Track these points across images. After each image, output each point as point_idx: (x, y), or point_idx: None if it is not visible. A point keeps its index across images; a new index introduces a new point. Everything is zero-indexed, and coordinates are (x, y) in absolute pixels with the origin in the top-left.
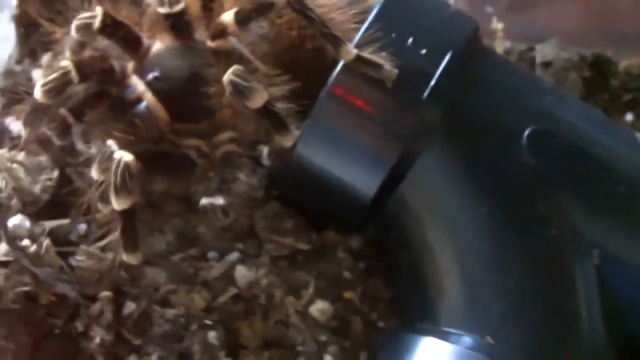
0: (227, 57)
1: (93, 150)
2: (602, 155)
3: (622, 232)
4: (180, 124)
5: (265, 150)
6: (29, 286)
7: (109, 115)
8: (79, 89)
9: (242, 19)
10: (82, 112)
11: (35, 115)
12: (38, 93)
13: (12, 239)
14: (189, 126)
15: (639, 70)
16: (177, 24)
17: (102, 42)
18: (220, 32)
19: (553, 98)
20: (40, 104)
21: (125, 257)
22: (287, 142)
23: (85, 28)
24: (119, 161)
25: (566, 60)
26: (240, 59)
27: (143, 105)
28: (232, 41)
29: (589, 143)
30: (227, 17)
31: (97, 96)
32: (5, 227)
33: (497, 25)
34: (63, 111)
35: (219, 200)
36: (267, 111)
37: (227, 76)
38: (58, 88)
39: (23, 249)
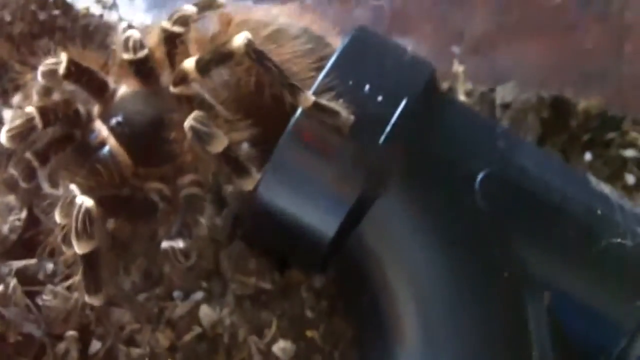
0: (190, 102)
1: (60, 191)
2: (553, 198)
3: (572, 272)
4: (142, 167)
5: (229, 189)
6: None
7: (73, 159)
8: (46, 132)
9: (203, 67)
10: (47, 156)
11: (0, 159)
12: (3, 138)
13: None
14: (152, 170)
15: (598, 111)
16: (142, 70)
17: (69, 86)
18: (183, 79)
19: (507, 143)
20: (6, 149)
21: (87, 299)
22: (247, 185)
23: (50, 74)
24: (80, 207)
25: (525, 102)
26: (202, 104)
27: (106, 149)
28: (195, 87)
29: (540, 187)
30: (189, 64)
31: (62, 140)
32: None
33: (459, 68)
34: (28, 155)
35: (179, 244)
36: (227, 156)
37: (188, 122)
38: (22, 134)
39: None
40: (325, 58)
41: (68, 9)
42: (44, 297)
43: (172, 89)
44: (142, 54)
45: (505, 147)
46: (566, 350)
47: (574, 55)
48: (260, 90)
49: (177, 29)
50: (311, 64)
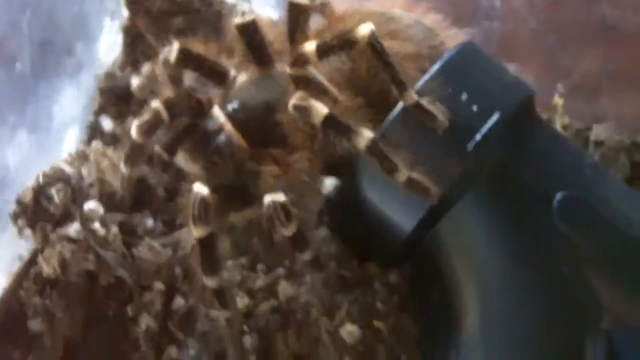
0: (303, 83)
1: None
2: (633, 233)
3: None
4: (257, 150)
5: (327, 180)
6: (92, 265)
7: (194, 147)
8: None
9: (324, 51)
10: (174, 148)
11: (135, 154)
12: (134, 133)
13: (85, 220)
14: (265, 152)
15: None
16: (259, 54)
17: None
18: (301, 61)
19: (594, 172)
20: (137, 144)
21: (205, 280)
22: (360, 143)
23: (166, 62)
24: (197, 194)
25: (618, 142)
26: (314, 85)
27: (223, 136)
28: (310, 70)
29: (620, 220)
30: (310, 47)
31: (186, 130)
32: (81, 208)
33: (558, 101)
34: (157, 149)
35: (281, 197)
36: (331, 124)
37: (291, 102)
38: (151, 128)
39: (93, 231)
40: (434, 47)
41: None
42: (140, 249)
43: (288, 70)
44: (249, 17)
45: (591, 176)
46: None
47: None
48: (368, 80)
49: (303, 2)
50: (420, 64)
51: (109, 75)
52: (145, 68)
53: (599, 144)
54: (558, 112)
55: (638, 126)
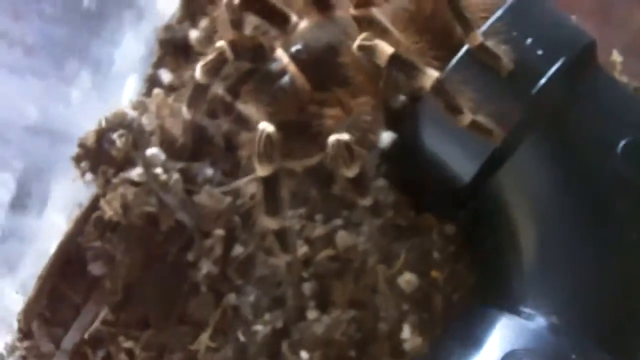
0: (367, 24)
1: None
2: None
3: None
4: (319, 92)
5: (384, 134)
6: (154, 208)
7: (257, 87)
8: (232, 70)
9: None
10: (238, 90)
11: (198, 96)
12: (198, 73)
13: (148, 165)
14: (328, 95)
15: None
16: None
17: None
18: (364, 1)
19: None
20: (201, 85)
21: (265, 221)
22: (426, 81)
23: (229, 5)
24: (262, 132)
25: None
26: (378, 25)
27: (286, 77)
28: (374, 11)
29: None
30: None
31: (248, 74)
32: (142, 154)
33: (617, 58)
34: (221, 91)
35: (346, 136)
36: (396, 62)
37: (356, 42)
38: (216, 67)
39: (155, 175)
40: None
41: None
42: (200, 196)
43: (352, 11)
44: None
45: None
46: None
47: None
48: (432, 21)
49: None
50: (486, 5)
51: (168, 27)
52: (204, 22)
53: None
54: (616, 69)
55: None
